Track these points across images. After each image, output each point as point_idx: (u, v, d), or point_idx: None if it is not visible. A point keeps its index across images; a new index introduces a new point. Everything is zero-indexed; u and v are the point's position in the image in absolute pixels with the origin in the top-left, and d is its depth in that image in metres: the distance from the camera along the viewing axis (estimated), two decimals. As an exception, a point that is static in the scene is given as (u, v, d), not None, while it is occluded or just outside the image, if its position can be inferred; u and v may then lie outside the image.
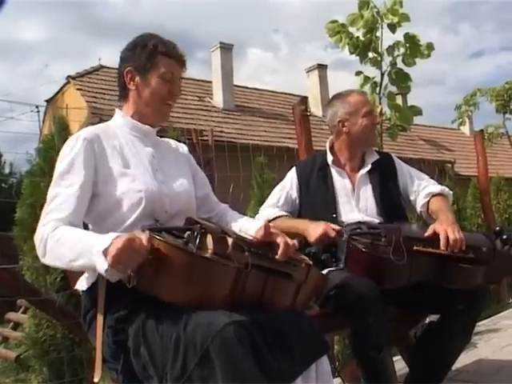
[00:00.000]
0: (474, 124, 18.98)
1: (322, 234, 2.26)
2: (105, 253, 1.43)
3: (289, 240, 1.73)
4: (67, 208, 1.67)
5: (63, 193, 1.70)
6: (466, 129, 21.46)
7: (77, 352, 3.61)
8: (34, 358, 3.82)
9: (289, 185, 2.69)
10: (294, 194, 2.67)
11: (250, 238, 1.77)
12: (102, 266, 1.44)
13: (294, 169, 2.75)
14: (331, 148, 2.72)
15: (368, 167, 2.64)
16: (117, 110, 1.98)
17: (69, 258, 1.56)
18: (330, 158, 2.67)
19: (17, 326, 5.99)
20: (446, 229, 2.22)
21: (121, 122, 1.94)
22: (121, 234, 1.47)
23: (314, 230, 2.30)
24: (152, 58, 1.87)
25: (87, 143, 1.77)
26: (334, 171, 2.65)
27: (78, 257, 1.54)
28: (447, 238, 2.19)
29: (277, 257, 1.69)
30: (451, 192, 2.69)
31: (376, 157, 2.67)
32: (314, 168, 2.68)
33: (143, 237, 1.45)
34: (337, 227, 2.30)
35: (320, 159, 2.71)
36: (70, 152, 1.76)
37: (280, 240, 1.72)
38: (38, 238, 1.65)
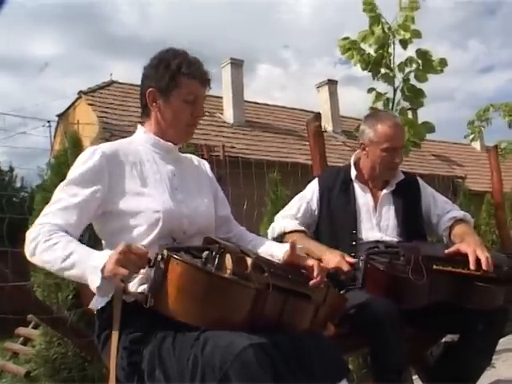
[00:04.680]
0: (485, 139, 18.90)
1: (335, 267, 2.18)
2: (102, 270, 1.44)
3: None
4: (67, 217, 1.65)
5: (66, 200, 1.68)
6: (476, 144, 21.34)
7: (88, 371, 3.58)
8: (45, 376, 3.79)
9: (309, 195, 2.64)
10: (314, 206, 2.62)
11: (270, 258, 1.74)
12: (95, 281, 1.45)
13: (316, 180, 2.71)
14: (356, 163, 2.68)
15: (392, 187, 2.60)
16: (139, 126, 1.95)
17: (60, 266, 1.55)
18: (353, 172, 2.63)
19: (27, 341, 5.98)
20: (475, 249, 2.18)
21: (143, 138, 1.92)
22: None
23: (329, 260, 2.20)
24: (175, 79, 1.81)
25: (103, 159, 1.75)
26: (357, 186, 2.61)
27: (71, 267, 1.53)
28: (477, 258, 2.15)
29: (311, 282, 1.69)
30: (472, 220, 2.67)
31: (401, 177, 2.63)
32: (336, 181, 2.64)
33: (138, 244, 1.48)
34: (351, 260, 2.23)
35: (343, 173, 2.67)
36: (84, 164, 1.74)
37: (312, 262, 1.74)
38: (30, 235, 1.62)
